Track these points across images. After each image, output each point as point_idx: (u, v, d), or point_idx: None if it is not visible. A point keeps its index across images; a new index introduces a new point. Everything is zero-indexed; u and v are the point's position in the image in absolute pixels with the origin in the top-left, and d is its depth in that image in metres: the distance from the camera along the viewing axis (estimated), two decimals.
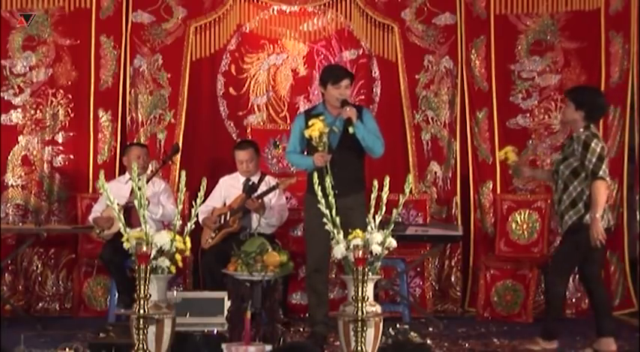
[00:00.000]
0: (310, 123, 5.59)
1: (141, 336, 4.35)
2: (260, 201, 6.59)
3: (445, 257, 7.53)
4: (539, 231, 7.30)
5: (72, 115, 7.54)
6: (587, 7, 7.43)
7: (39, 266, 7.47)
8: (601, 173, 5.38)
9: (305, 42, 7.71)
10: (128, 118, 7.56)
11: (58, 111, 7.52)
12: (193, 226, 4.80)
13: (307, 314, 6.05)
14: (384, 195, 4.72)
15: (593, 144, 5.40)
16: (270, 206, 6.68)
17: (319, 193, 4.79)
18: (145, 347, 4.37)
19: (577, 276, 7.38)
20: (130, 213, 6.29)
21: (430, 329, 6.47)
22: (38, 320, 6.68)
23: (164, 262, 4.58)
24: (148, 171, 7.00)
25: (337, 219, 4.75)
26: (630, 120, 7.42)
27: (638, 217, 7.45)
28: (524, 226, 7.31)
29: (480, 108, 7.51)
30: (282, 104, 7.73)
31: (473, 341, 6.02)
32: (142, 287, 4.34)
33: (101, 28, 7.51)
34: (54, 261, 7.49)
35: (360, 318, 4.43)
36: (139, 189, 4.63)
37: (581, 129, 5.49)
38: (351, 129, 5.63)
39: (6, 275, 7.33)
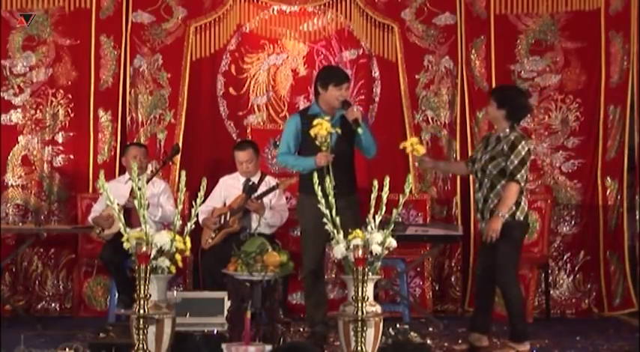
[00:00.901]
0: (315, 122, 5.55)
1: (141, 336, 4.35)
2: (260, 201, 6.60)
3: (445, 257, 7.53)
4: (539, 231, 7.30)
5: (72, 115, 7.54)
6: (587, 7, 7.43)
7: (39, 266, 7.47)
8: (518, 176, 5.45)
9: (305, 42, 7.71)
10: (128, 118, 7.56)
11: (58, 111, 7.52)
12: (193, 226, 4.80)
13: (305, 315, 6.02)
14: (384, 195, 4.72)
15: (519, 147, 5.47)
16: (270, 206, 6.68)
17: (319, 193, 4.78)
18: (145, 347, 4.37)
19: (576, 276, 7.44)
20: (129, 213, 6.30)
21: (430, 329, 6.47)
22: (38, 320, 6.68)
23: (164, 262, 4.58)
24: (148, 171, 7.00)
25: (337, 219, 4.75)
26: (630, 120, 7.41)
27: (638, 217, 7.45)
28: None
29: (479, 108, 7.50)
30: (282, 104, 7.73)
31: None
32: (142, 287, 4.34)
33: (101, 28, 7.51)
34: (54, 261, 7.49)
35: (360, 318, 4.43)
36: (139, 189, 4.63)
37: (507, 130, 5.55)
38: (360, 130, 5.60)
39: (6, 275, 7.33)
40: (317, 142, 5.55)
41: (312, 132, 5.53)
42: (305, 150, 5.74)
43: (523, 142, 5.49)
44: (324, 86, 5.76)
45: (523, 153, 5.47)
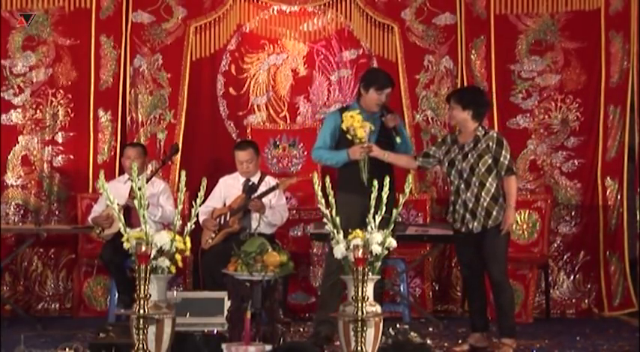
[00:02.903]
0: (345, 115, 5.61)
1: (141, 336, 4.35)
2: (260, 201, 6.60)
3: (445, 257, 7.53)
4: (539, 231, 7.30)
5: (72, 115, 7.54)
6: (587, 7, 7.44)
7: (39, 266, 7.47)
8: (514, 168, 5.68)
9: (305, 42, 7.71)
10: (128, 118, 7.56)
11: (58, 111, 7.53)
12: (193, 226, 4.79)
13: (318, 311, 5.95)
14: (384, 195, 4.71)
15: (505, 142, 5.62)
16: (270, 206, 6.68)
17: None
18: (145, 347, 4.36)
19: (576, 276, 7.44)
20: (129, 213, 6.29)
21: (430, 329, 6.47)
22: (38, 320, 6.68)
23: (164, 262, 4.57)
24: (148, 171, 6.99)
25: (338, 219, 4.74)
26: (630, 120, 7.42)
27: (638, 217, 7.45)
28: (524, 226, 7.32)
29: None
30: (282, 104, 7.73)
31: None
32: (142, 287, 4.33)
33: (101, 28, 7.52)
34: (54, 261, 7.49)
35: (360, 318, 4.43)
36: (139, 189, 4.63)
37: (481, 128, 5.65)
38: (399, 139, 5.69)
39: (6, 275, 7.33)
40: (348, 136, 5.59)
41: (344, 125, 5.59)
42: (343, 147, 5.75)
43: (504, 138, 5.67)
44: (365, 88, 5.79)
45: (509, 146, 5.62)
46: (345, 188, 5.68)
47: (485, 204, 5.54)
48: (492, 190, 5.54)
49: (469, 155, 5.59)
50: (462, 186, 5.61)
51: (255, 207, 6.57)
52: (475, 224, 5.57)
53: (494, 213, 5.53)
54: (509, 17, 7.52)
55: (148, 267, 4.37)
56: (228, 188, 6.86)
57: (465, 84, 7.50)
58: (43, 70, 7.52)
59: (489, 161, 5.55)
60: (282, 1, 7.64)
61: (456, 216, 5.67)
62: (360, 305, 4.43)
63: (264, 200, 6.62)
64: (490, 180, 5.55)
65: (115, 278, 6.70)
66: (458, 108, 5.67)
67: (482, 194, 5.55)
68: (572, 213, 7.48)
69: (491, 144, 5.56)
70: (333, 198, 4.74)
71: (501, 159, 5.55)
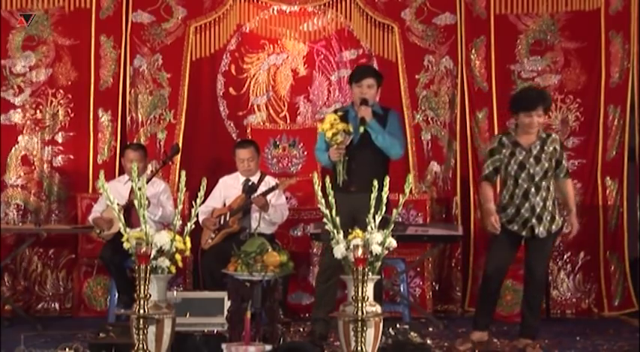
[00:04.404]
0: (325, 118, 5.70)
1: (141, 336, 4.35)
2: (265, 198, 6.58)
3: (445, 257, 7.53)
4: None
5: (72, 115, 7.54)
6: (587, 7, 7.43)
7: (39, 266, 7.47)
8: None
9: (305, 42, 7.71)
10: (128, 118, 7.56)
11: (58, 111, 7.53)
12: (193, 226, 4.79)
13: (313, 310, 5.98)
14: (384, 195, 4.71)
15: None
16: (270, 205, 6.68)
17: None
18: (145, 347, 4.37)
19: (576, 276, 7.44)
20: (129, 213, 6.30)
21: (430, 329, 6.48)
22: (38, 320, 6.69)
23: (164, 262, 4.57)
24: (148, 172, 6.99)
25: (338, 219, 4.74)
26: (630, 120, 7.41)
27: (638, 217, 7.45)
28: None
29: (479, 108, 7.50)
30: (282, 104, 7.73)
31: None
32: (142, 287, 4.33)
33: (101, 28, 7.51)
34: (54, 261, 7.49)
35: (360, 318, 4.43)
36: (139, 189, 4.63)
37: (541, 130, 5.68)
38: (361, 129, 5.68)
39: (6, 275, 7.34)
40: (325, 138, 5.65)
41: (319, 127, 5.62)
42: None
43: None
44: (350, 85, 5.92)
45: None
46: (333, 187, 5.68)
47: (550, 208, 5.58)
48: (554, 194, 5.59)
49: (541, 158, 5.57)
50: (532, 189, 5.58)
51: (258, 203, 6.56)
52: (541, 229, 5.58)
53: (557, 217, 5.58)
54: (509, 17, 7.51)
55: (148, 267, 4.37)
56: (228, 188, 6.86)
57: (465, 84, 7.50)
58: (43, 70, 7.52)
59: (553, 164, 5.57)
60: (282, 1, 7.64)
61: (517, 219, 5.60)
62: (360, 305, 4.43)
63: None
64: (552, 183, 5.58)
65: (115, 278, 6.71)
66: (541, 115, 5.60)
67: (549, 198, 5.56)
68: None
69: (556, 146, 5.59)
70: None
71: (563, 161, 5.58)
